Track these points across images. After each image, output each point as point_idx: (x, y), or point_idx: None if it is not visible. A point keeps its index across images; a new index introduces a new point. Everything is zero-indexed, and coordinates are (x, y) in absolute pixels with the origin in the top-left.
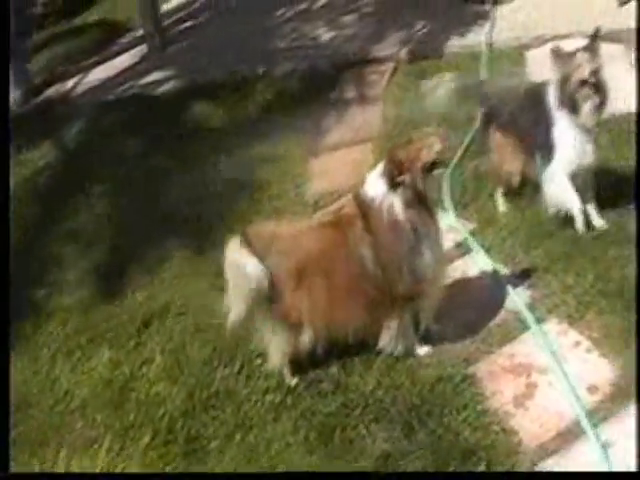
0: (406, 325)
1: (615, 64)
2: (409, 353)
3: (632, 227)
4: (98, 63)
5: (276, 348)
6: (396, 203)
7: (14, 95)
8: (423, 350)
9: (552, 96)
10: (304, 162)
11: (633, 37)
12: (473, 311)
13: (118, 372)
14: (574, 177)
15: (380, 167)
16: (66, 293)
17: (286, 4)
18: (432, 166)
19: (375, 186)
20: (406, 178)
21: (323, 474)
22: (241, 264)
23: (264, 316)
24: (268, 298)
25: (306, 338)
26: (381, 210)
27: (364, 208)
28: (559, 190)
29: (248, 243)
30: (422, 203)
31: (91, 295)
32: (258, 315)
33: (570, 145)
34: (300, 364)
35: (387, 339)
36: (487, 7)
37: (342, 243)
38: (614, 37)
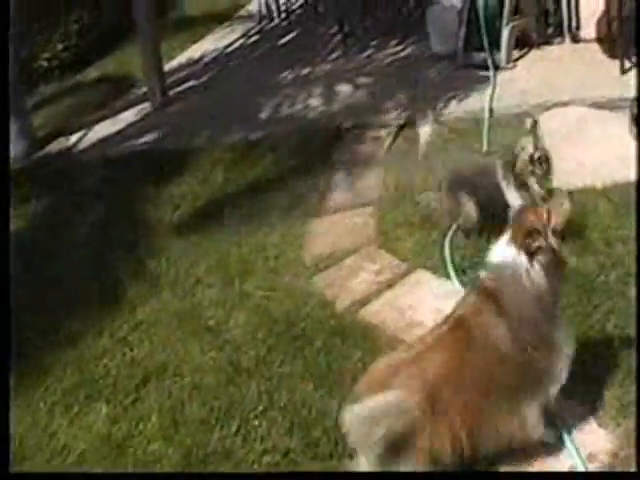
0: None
1: (617, 132)
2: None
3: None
4: (101, 119)
5: None
6: (536, 272)
7: (15, 149)
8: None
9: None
10: (303, 225)
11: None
12: None
13: (115, 428)
14: None
15: (507, 237)
16: (63, 348)
17: (288, 68)
18: (560, 234)
19: (508, 259)
20: (542, 243)
21: (324, 474)
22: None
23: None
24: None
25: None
26: (521, 283)
27: (494, 290)
28: None
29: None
30: (558, 267)
31: (88, 350)
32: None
33: None
34: None
35: (534, 425)
36: (488, 73)
37: (473, 344)
38: (616, 105)
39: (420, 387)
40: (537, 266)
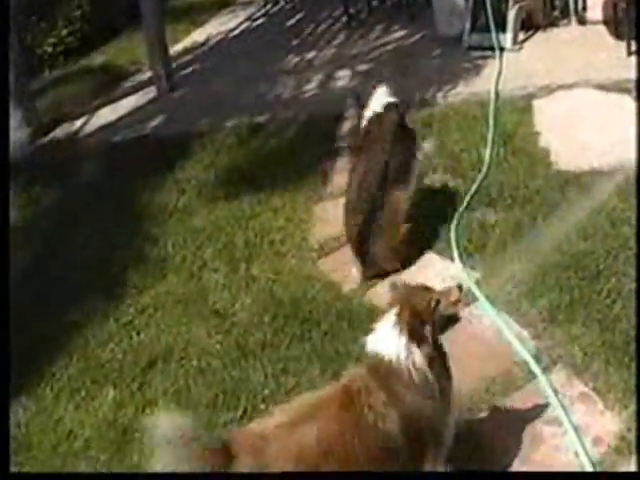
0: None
1: (623, 114)
2: None
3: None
4: (106, 104)
5: None
6: (422, 359)
7: (20, 135)
8: None
9: None
10: (307, 209)
11: None
12: (477, 361)
13: (122, 413)
14: None
15: (392, 321)
16: (69, 334)
17: (293, 51)
18: (447, 321)
19: (392, 343)
20: (428, 331)
21: (325, 473)
22: None
23: None
24: None
25: None
26: (407, 371)
27: (381, 373)
28: None
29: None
30: (442, 359)
31: (94, 336)
32: None
33: None
34: None
35: None
36: (494, 55)
37: (358, 421)
38: (622, 87)
39: (294, 456)
40: (420, 354)
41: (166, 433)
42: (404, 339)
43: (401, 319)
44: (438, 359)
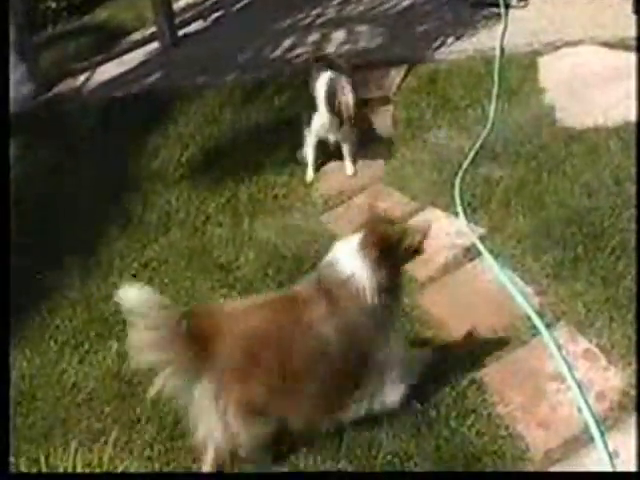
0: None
1: (628, 71)
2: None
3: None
4: (109, 59)
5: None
6: (373, 285)
7: (23, 90)
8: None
9: None
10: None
11: None
12: (481, 316)
13: (126, 365)
14: None
15: (355, 240)
16: (73, 287)
17: (296, 8)
18: (412, 254)
19: (350, 262)
20: (389, 260)
21: (326, 473)
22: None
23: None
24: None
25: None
26: (356, 292)
27: (330, 286)
28: None
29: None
30: (396, 290)
31: (98, 289)
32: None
33: None
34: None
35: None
36: (499, 12)
37: (299, 321)
38: (628, 44)
39: (238, 337)
40: (374, 280)
41: (134, 304)
42: (363, 260)
43: (365, 242)
44: (391, 289)
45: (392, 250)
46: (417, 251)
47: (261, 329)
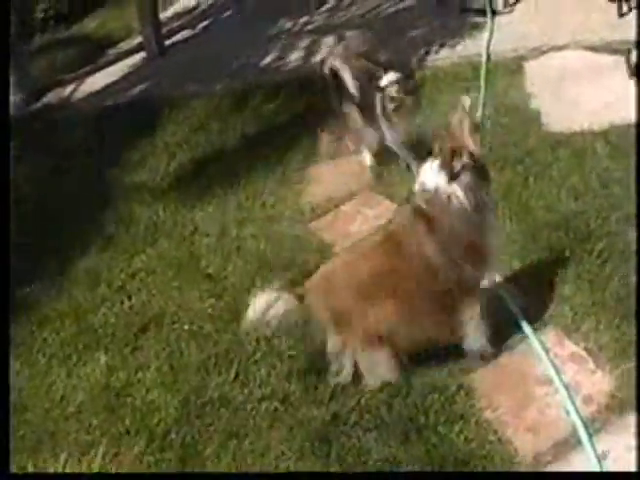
0: (482, 316)
1: (614, 75)
2: (496, 347)
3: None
4: (97, 69)
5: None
6: (460, 191)
7: (14, 99)
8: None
9: None
10: (300, 171)
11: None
12: None
13: (114, 378)
14: None
15: (432, 162)
16: (61, 298)
17: (285, 15)
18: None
19: (434, 180)
20: (464, 163)
21: (322, 474)
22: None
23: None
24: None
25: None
26: (447, 202)
27: (423, 210)
28: None
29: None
30: (482, 179)
31: (86, 300)
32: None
33: None
34: None
35: (472, 335)
36: (485, 18)
37: (402, 256)
38: (613, 48)
39: (354, 290)
40: (462, 185)
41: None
42: (444, 176)
43: (442, 158)
44: (479, 181)
45: (462, 155)
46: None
47: (372, 277)
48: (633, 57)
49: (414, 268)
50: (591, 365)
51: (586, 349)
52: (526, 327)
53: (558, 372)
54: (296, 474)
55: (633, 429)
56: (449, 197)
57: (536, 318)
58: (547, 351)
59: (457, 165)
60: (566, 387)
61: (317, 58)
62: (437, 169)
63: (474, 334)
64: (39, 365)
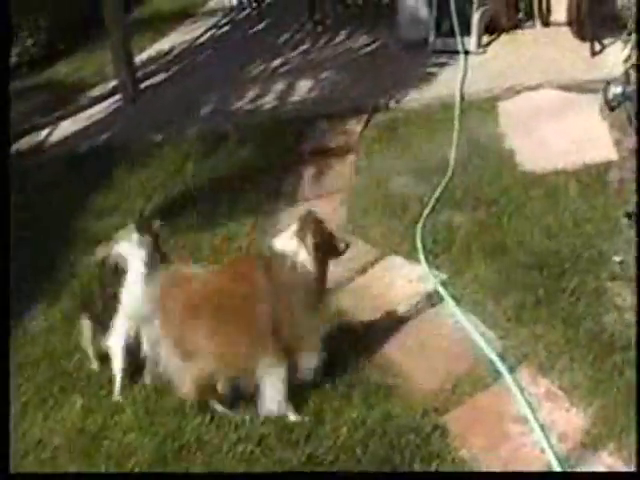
0: (283, 379)
1: (587, 114)
2: (281, 412)
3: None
4: (71, 114)
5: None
6: (309, 262)
7: None
8: (294, 417)
9: None
10: (274, 214)
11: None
12: (443, 361)
13: (90, 421)
14: None
15: (294, 228)
16: (35, 343)
17: (259, 59)
18: (335, 252)
19: (289, 245)
20: (319, 247)
21: (320, 474)
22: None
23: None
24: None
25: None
26: (293, 267)
27: (271, 263)
28: None
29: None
30: (323, 276)
31: (61, 344)
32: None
33: None
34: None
35: (268, 394)
36: (459, 58)
37: (241, 288)
38: (586, 87)
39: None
40: (311, 259)
41: None
42: (299, 243)
43: (302, 228)
44: (320, 272)
45: (322, 239)
46: (340, 253)
47: (203, 293)
48: (610, 93)
49: (246, 302)
50: (566, 403)
51: (560, 387)
52: (501, 366)
53: (533, 410)
54: (296, 474)
55: (607, 465)
56: (297, 263)
57: (511, 357)
58: (522, 390)
59: (315, 240)
60: (541, 425)
61: (293, 99)
62: (293, 237)
63: (270, 392)
64: (15, 410)
